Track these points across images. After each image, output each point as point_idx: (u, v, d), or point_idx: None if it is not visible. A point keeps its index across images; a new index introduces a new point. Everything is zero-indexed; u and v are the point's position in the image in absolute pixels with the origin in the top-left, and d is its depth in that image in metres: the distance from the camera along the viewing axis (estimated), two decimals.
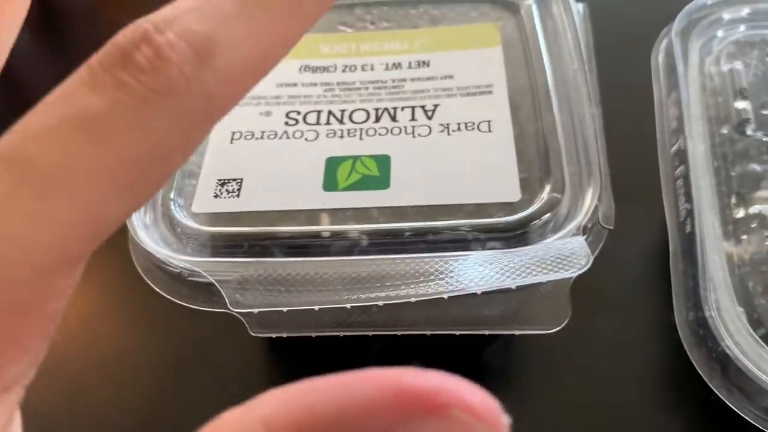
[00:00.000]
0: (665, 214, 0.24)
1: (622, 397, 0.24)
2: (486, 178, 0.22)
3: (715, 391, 0.21)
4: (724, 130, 0.26)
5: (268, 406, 0.09)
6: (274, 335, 0.21)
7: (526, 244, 0.20)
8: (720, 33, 0.29)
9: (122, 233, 0.22)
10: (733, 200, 0.24)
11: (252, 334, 0.21)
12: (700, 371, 0.21)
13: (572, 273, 0.17)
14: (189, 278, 0.21)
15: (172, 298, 0.21)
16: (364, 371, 0.09)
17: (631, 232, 0.25)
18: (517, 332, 0.21)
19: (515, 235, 0.20)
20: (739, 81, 0.27)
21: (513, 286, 0.18)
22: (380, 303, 0.18)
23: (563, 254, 0.18)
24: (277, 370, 0.25)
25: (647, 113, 0.27)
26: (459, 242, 0.20)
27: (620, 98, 0.27)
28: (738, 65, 0.28)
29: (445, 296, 0.17)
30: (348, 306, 0.18)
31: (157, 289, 0.21)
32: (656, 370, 0.24)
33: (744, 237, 0.23)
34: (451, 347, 0.24)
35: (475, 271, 0.18)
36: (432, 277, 0.18)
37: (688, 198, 0.23)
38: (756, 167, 0.25)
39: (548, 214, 0.20)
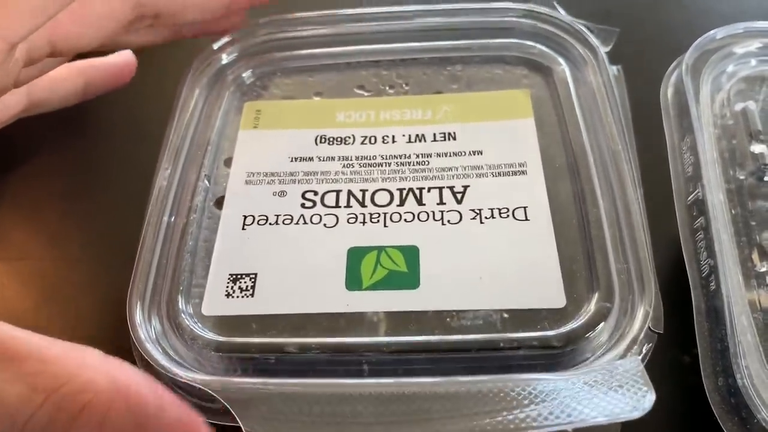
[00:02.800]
0: (686, 267, 0.23)
1: None
2: (526, 279, 0.20)
3: None
4: (741, 175, 0.25)
5: None
6: None
7: (574, 360, 0.18)
8: (730, 68, 0.28)
9: (125, 325, 0.20)
10: (755, 253, 0.23)
11: None
12: None
13: (639, 411, 0.16)
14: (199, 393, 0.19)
15: None
16: None
17: None
18: None
19: (562, 351, 0.18)
20: (753, 122, 0.27)
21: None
22: None
23: (623, 379, 0.17)
24: None
25: (656, 149, 0.25)
26: (501, 359, 0.18)
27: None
28: (750, 105, 0.27)
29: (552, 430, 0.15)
30: None
31: None
32: None
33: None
34: None
35: (556, 401, 0.16)
36: (512, 407, 0.16)
37: (710, 252, 0.22)
38: None
39: (599, 327, 0.19)
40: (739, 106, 0.27)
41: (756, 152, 0.26)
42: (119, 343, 0.21)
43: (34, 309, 0.27)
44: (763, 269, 0.23)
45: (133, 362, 0.20)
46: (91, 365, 0.15)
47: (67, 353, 0.15)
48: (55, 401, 0.14)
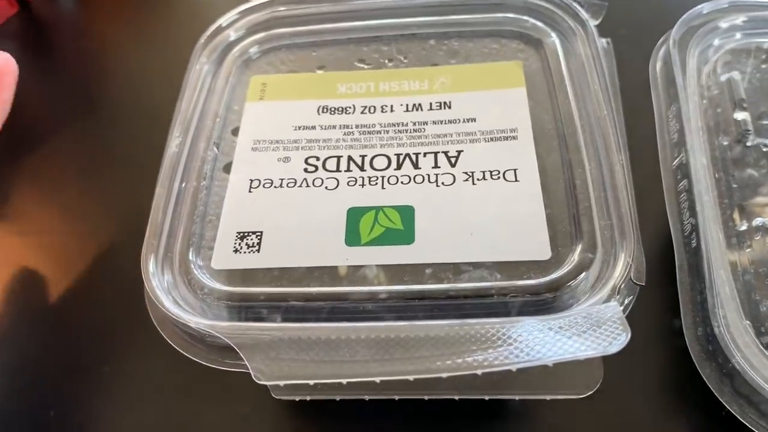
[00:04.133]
0: (670, 228, 0.24)
1: (630, 413, 0.23)
2: (514, 234, 0.21)
3: (726, 406, 0.21)
4: (725, 141, 0.26)
5: None
6: (297, 398, 0.21)
7: (558, 306, 0.20)
8: (716, 41, 0.29)
9: (139, 287, 0.21)
10: (736, 213, 0.24)
11: (274, 396, 0.20)
12: (710, 386, 0.21)
13: (613, 347, 0.17)
14: (208, 339, 0.20)
15: (190, 356, 0.20)
16: None
17: None
18: (548, 397, 0.20)
19: (547, 298, 0.20)
20: (737, 91, 0.28)
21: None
22: (443, 375, 0.17)
23: (600, 321, 0.18)
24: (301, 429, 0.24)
25: (645, 120, 0.27)
26: (489, 305, 0.20)
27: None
28: (735, 75, 0.28)
29: (514, 368, 0.17)
30: (377, 380, 0.17)
31: (175, 347, 0.21)
32: (666, 384, 0.24)
33: (748, 249, 0.23)
34: (479, 413, 0.23)
35: (537, 339, 0.17)
36: (496, 345, 0.17)
37: (692, 212, 0.24)
38: (756, 176, 0.25)
39: (581, 275, 0.20)
40: (724, 77, 0.28)
41: (739, 119, 0.27)
42: (134, 296, 0.22)
43: (52, 278, 0.28)
44: (743, 228, 0.24)
45: (147, 313, 0.21)
46: None
47: None
48: None
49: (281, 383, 0.18)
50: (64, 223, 0.31)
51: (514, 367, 0.17)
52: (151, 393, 0.24)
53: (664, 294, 0.24)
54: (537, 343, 0.17)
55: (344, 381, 0.18)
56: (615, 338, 0.17)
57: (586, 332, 0.17)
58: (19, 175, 0.33)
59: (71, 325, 0.27)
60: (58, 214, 0.31)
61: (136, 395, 0.24)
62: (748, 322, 0.22)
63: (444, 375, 0.17)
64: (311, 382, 0.18)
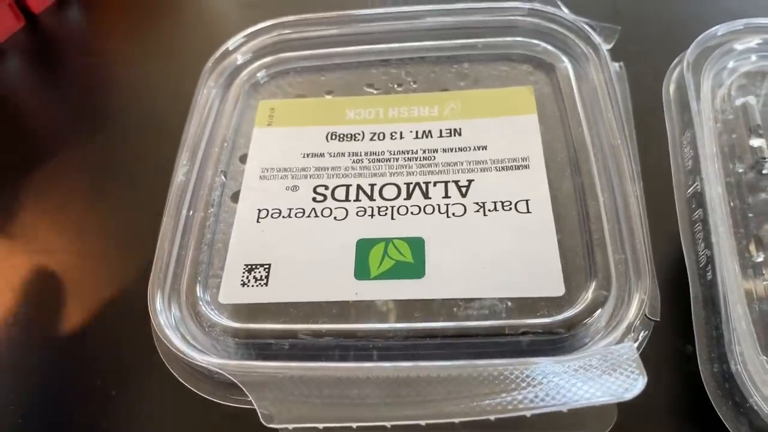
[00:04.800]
0: (684, 258, 0.24)
1: None
2: (527, 269, 0.21)
3: None
4: (740, 168, 0.26)
5: None
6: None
7: (572, 345, 0.19)
8: (731, 64, 0.29)
9: (147, 310, 0.21)
10: (752, 244, 0.24)
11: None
12: (727, 425, 0.20)
13: (630, 393, 0.16)
14: (216, 376, 0.20)
15: (197, 392, 0.20)
16: None
17: None
18: None
19: (561, 337, 0.19)
20: (752, 116, 0.27)
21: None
22: (456, 421, 0.17)
23: (616, 364, 0.17)
24: None
25: (658, 144, 0.26)
26: (501, 344, 0.19)
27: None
28: (751, 99, 0.28)
29: (529, 414, 0.16)
30: (389, 425, 0.17)
31: (182, 381, 0.20)
32: (681, 422, 0.23)
33: (765, 282, 0.23)
34: None
35: (552, 383, 0.17)
36: (511, 389, 0.17)
37: (707, 243, 0.23)
38: None
39: (596, 313, 0.19)
40: (739, 101, 0.27)
41: (755, 146, 0.26)
42: (140, 330, 0.22)
43: (57, 300, 0.28)
44: (760, 259, 0.24)
45: (154, 348, 0.21)
46: None
47: None
48: None
49: (290, 427, 0.18)
50: (70, 241, 0.31)
51: (529, 413, 0.16)
52: (156, 417, 0.24)
53: (679, 327, 0.24)
54: (552, 387, 0.17)
55: (354, 425, 0.17)
56: (632, 383, 0.17)
57: (602, 376, 0.17)
58: (24, 192, 0.33)
59: (77, 347, 0.27)
60: (64, 232, 0.31)
61: (142, 419, 0.24)
62: (765, 357, 0.21)
63: (456, 421, 0.17)
64: (321, 426, 0.17)
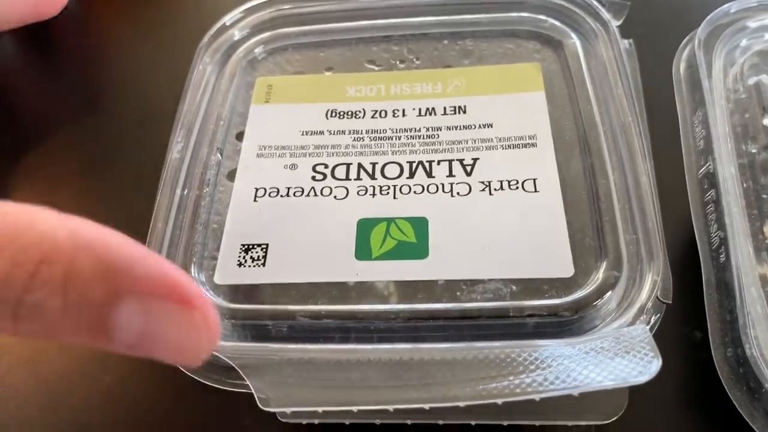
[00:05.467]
0: (696, 240, 0.23)
1: None
2: (534, 249, 0.20)
3: None
4: (753, 149, 0.25)
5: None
6: (304, 422, 0.20)
7: (581, 328, 0.19)
8: (744, 42, 0.28)
9: None
10: (766, 226, 0.23)
11: (280, 420, 0.19)
12: (741, 411, 0.20)
13: (645, 376, 0.16)
14: (211, 358, 0.19)
15: (191, 375, 0.19)
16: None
17: None
18: (570, 423, 0.19)
19: (569, 319, 0.18)
20: (766, 95, 0.26)
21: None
22: (461, 404, 0.16)
23: (629, 346, 0.17)
24: None
25: (668, 124, 0.25)
26: (507, 326, 0.19)
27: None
28: (764, 78, 0.27)
29: (537, 398, 0.16)
30: (391, 408, 0.16)
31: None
32: (693, 408, 0.23)
33: None
34: None
35: (562, 366, 0.16)
36: (518, 371, 0.16)
37: (720, 225, 0.22)
38: None
39: (607, 295, 0.19)
40: (752, 80, 0.27)
41: None
42: None
43: None
44: None
45: None
46: (47, 219, 0.13)
47: (18, 211, 0.13)
48: (10, 256, 0.12)
49: (288, 410, 0.17)
50: None
51: (537, 397, 0.16)
52: (149, 400, 0.23)
53: (691, 310, 0.23)
54: (562, 371, 0.16)
55: (355, 409, 0.17)
56: (646, 365, 0.16)
57: (615, 358, 0.16)
58: (17, 174, 0.32)
59: None
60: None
61: (135, 404, 0.23)
62: None
63: (461, 404, 0.16)
64: (320, 410, 0.17)
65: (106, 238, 0.13)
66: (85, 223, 0.13)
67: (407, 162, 0.23)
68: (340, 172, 0.23)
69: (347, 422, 0.19)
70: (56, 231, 0.12)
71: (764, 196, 0.24)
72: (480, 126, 0.24)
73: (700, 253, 0.23)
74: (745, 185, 0.24)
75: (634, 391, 0.20)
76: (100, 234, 0.13)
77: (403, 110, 0.25)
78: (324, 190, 0.22)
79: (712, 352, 0.21)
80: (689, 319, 0.24)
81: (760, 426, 0.20)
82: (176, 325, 0.13)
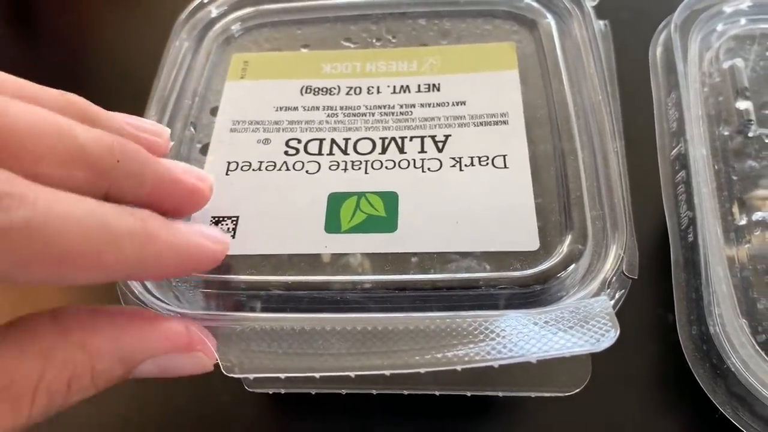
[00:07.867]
0: (666, 220, 0.23)
1: (618, 412, 0.22)
2: (501, 223, 0.20)
3: (720, 408, 0.20)
4: (726, 131, 0.25)
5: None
6: (271, 391, 0.20)
7: (547, 299, 0.19)
8: (720, 27, 0.28)
9: None
10: (735, 206, 0.23)
11: (248, 389, 0.19)
12: (703, 387, 0.20)
13: (601, 345, 0.16)
14: None
15: None
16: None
17: None
18: (533, 394, 0.19)
19: (536, 290, 0.19)
20: (740, 79, 0.27)
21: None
22: (421, 370, 0.16)
23: (588, 316, 0.17)
24: (274, 424, 0.23)
25: (643, 107, 0.26)
26: (475, 297, 0.19)
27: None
28: (738, 62, 0.27)
29: (496, 365, 0.16)
30: (352, 374, 0.16)
31: None
32: (656, 384, 0.23)
33: (747, 245, 0.23)
34: (459, 408, 0.22)
35: (521, 334, 0.16)
36: (478, 340, 0.16)
37: (690, 205, 0.23)
38: (757, 168, 0.24)
39: (571, 267, 0.19)
40: (727, 64, 0.27)
41: (741, 108, 0.26)
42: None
43: None
44: (743, 222, 0.23)
45: (117, 300, 0.20)
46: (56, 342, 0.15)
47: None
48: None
49: (251, 376, 0.17)
50: None
51: (495, 364, 0.16)
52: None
53: (658, 289, 0.24)
54: (521, 338, 0.16)
55: (317, 375, 0.17)
56: (603, 335, 0.16)
57: (573, 328, 0.17)
58: None
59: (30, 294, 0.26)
60: None
61: None
62: (744, 320, 0.21)
63: (422, 370, 0.16)
64: (283, 376, 0.17)
65: (114, 321, 0.16)
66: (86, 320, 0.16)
67: (380, 138, 0.23)
68: (313, 147, 0.23)
69: (313, 392, 0.20)
70: (74, 354, 0.15)
71: (735, 178, 0.24)
72: (453, 103, 0.24)
73: (669, 232, 0.23)
74: (716, 167, 0.24)
75: (599, 366, 0.20)
76: (110, 322, 0.16)
77: (378, 87, 0.25)
78: (296, 164, 0.22)
79: (678, 330, 0.21)
80: (659, 299, 0.25)
81: (720, 402, 0.20)
82: (182, 363, 0.17)
